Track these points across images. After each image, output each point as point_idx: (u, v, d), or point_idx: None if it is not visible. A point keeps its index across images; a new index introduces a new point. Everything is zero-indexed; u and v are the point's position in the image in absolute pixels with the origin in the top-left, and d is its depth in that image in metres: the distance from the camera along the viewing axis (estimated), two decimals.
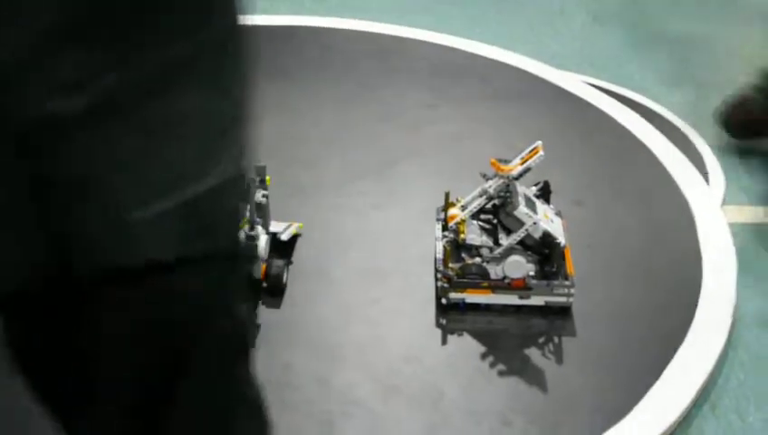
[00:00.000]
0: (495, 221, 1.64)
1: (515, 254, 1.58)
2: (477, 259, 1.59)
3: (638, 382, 1.47)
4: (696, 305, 1.63)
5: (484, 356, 1.52)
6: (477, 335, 1.56)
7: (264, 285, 1.62)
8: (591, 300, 1.64)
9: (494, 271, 1.59)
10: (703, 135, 2.20)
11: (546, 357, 1.52)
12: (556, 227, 1.62)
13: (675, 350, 1.53)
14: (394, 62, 2.41)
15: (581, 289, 1.65)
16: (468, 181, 1.93)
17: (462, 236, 1.60)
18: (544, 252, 1.59)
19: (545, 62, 2.44)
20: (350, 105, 2.20)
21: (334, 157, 2.01)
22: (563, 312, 1.60)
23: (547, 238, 1.58)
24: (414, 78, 2.34)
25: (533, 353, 1.52)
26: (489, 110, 2.23)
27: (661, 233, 1.84)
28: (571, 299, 1.59)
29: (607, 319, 1.61)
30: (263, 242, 1.57)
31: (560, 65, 2.46)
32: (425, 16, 2.71)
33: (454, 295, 1.59)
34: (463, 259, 1.60)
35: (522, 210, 1.57)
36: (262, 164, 1.61)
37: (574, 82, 2.36)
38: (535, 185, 1.71)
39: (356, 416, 1.39)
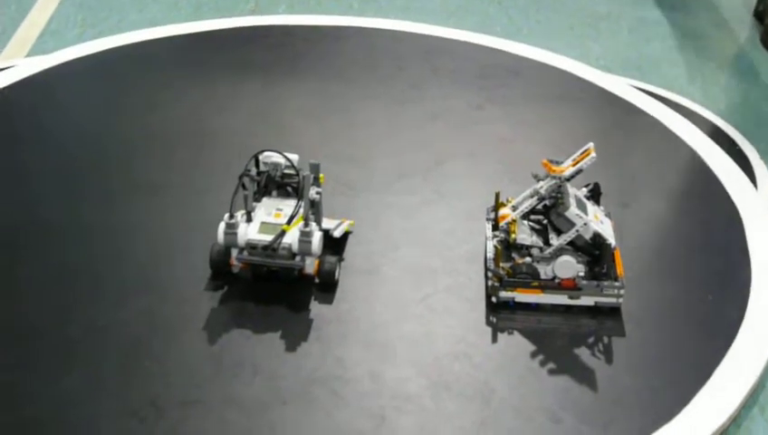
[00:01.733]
0: (546, 222, 1.65)
1: (566, 254, 1.59)
2: (528, 259, 1.60)
3: (687, 384, 1.48)
4: (746, 308, 1.63)
5: (534, 354, 1.53)
6: (527, 334, 1.57)
7: (317, 280, 1.64)
8: (640, 301, 1.65)
9: (545, 271, 1.60)
10: (750, 139, 2.20)
11: (596, 357, 1.53)
12: (606, 229, 1.63)
13: (724, 352, 1.54)
14: (441, 63, 2.43)
15: (630, 290, 1.66)
16: (515, 182, 1.95)
17: (513, 235, 1.62)
18: (594, 253, 1.61)
19: (590, 64, 2.46)
20: (400, 105, 2.22)
21: (384, 156, 2.03)
22: (613, 312, 1.61)
23: (597, 239, 1.59)
24: (461, 79, 2.36)
25: (583, 353, 1.53)
26: (535, 112, 2.24)
27: (709, 235, 1.84)
28: (620, 300, 1.60)
29: (656, 320, 1.61)
30: (316, 238, 1.58)
31: (604, 68, 2.47)
32: (469, 18, 2.73)
33: (504, 294, 1.61)
34: (513, 259, 1.62)
35: (573, 211, 1.58)
36: (316, 162, 1.64)
37: (620, 85, 2.37)
38: (585, 186, 1.72)
39: (407, 411, 1.41)
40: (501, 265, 1.61)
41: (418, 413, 1.41)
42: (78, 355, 1.48)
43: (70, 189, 1.89)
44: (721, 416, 1.44)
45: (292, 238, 1.58)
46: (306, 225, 1.58)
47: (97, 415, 1.38)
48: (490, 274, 1.61)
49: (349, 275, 1.67)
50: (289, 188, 1.67)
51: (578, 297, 1.60)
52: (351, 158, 2.02)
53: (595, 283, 1.60)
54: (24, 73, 2.32)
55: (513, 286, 1.60)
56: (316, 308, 1.60)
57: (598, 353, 1.53)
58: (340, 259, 1.70)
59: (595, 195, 1.72)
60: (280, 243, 1.58)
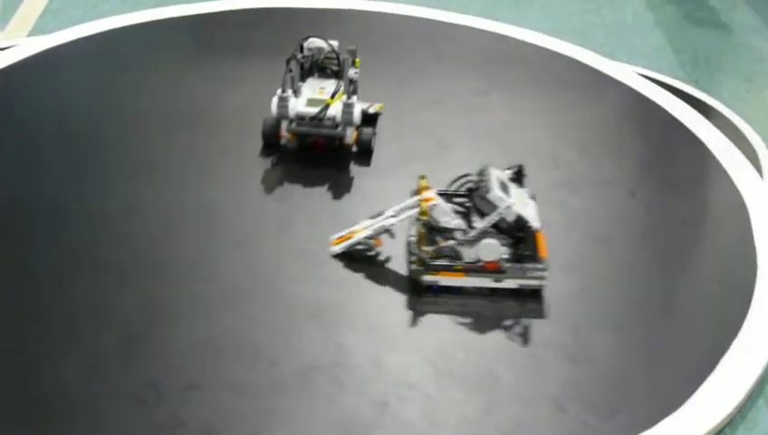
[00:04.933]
0: (470, 205, 1.64)
1: (489, 237, 1.58)
2: (451, 242, 1.59)
3: (693, 373, 1.46)
4: (751, 297, 1.62)
5: (537, 343, 1.51)
6: (529, 322, 1.56)
7: (355, 149, 1.94)
8: (645, 290, 1.64)
9: (468, 254, 1.59)
10: (756, 128, 2.18)
11: (602, 345, 1.51)
12: (529, 211, 1.61)
13: (730, 341, 1.52)
14: (445, 47, 2.41)
15: (637, 279, 1.65)
16: None
17: (424, 217, 1.60)
18: (518, 235, 1.60)
19: (594, 51, 2.44)
20: (403, 89, 2.21)
21: (386, 141, 2.01)
22: (536, 295, 1.60)
23: (520, 222, 1.58)
24: (465, 64, 2.34)
25: (588, 341, 1.52)
26: (540, 98, 2.22)
27: (714, 225, 1.83)
28: (543, 282, 1.59)
29: (661, 309, 1.60)
30: (357, 110, 1.88)
31: (609, 55, 2.45)
32: (473, 2, 2.71)
33: (427, 278, 1.59)
34: (437, 242, 1.60)
35: (495, 193, 1.58)
36: (353, 47, 1.92)
37: (626, 72, 2.35)
38: (510, 168, 1.70)
39: (411, 398, 1.39)
40: (424, 248, 1.59)
41: (422, 400, 1.39)
42: (78, 337, 1.47)
43: (70, 170, 1.87)
44: (726, 406, 1.42)
45: (335, 110, 1.89)
46: (348, 98, 1.88)
47: (96, 397, 1.36)
48: (413, 257, 1.60)
49: (350, 260, 1.66)
50: (328, 70, 1.97)
51: (501, 280, 1.59)
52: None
53: (518, 265, 1.59)
54: (25, 53, 2.29)
55: (436, 270, 1.59)
56: (316, 294, 1.58)
57: (604, 342, 1.52)
58: (374, 132, 1.96)
59: (519, 177, 1.70)
60: (325, 114, 1.88)
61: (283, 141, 1.94)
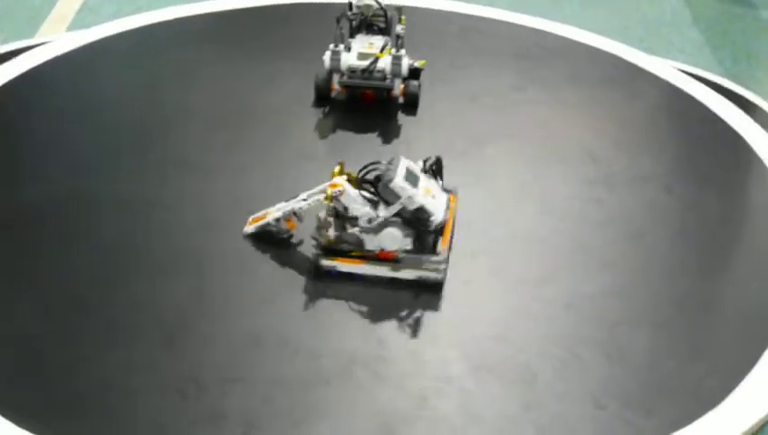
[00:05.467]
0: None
1: (392, 226, 1.58)
2: (355, 229, 1.59)
3: (732, 370, 1.46)
4: None
5: (575, 339, 1.51)
6: (568, 318, 1.55)
7: (401, 100, 2.08)
8: (683, 287, 1.63)
9: (372, 242, 1.59)
10: None
11: (639, 342, 1.51)
12: (436, 203, 1.60)
13: None
14: (481, 42, 2.40)
15: (674, 276, 1.64)
16: (556, 164, 1.94)
17: (326, 202, 1.59)
18: (420, 227, 1.59)
19: (633, 46, 2.43)
20: (439, 84, 2.20)
21: (423, 136, 2.02)
22: (436, 287, 1.60)
23: (420, 213, 1.57)
24: (501, 59, 2.33)
25: (626, 338, 1.52)
26: (577, 94, 2.21)
27: (753, 221, 1.82)
28: (440, 275, 1.59)
29: (699, 306, 1.59)
30: (405, 62, 2.02)
31: (648, 50, 2.43)
32: None
33: (326, 263, 1.60)
34: (344, 229, 1.61)
35: (397, 183, 1.56)
36: (399, 5, 2.07)
37: (665, 68, 2.34)
38: (425, 161, 1.68)
39: (449, 393, 1.40)
40: (323, 233, 1.60)
41: (460, 395, 1.39)
42: (119, 331, 1.48)
43: (109, 164, 1.89)
44: (766, 403, 1.41)
45: (384, 63, 2.03)
46: (397, 52, 2.02)
47: (138, 391, 1.38)
48: (313, 242, 1.61)
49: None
50: (376, 27, 2.12)
51: (399, 270, 1.59)
52: (392, 138, 2.00)
53: (414, 256, 1.58)
54: (62, 49, 2.32)
55: (334, 255, 1.59)
56: (358, 290, 1.59)
57: (642, 339, 1.52)
58: (420, 84, 2.09)
59: (437, 170, 1.68)
60: (375, 67, 2.03)
61: (333, 94, 2.09)
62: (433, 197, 1.61)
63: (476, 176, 1.90)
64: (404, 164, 1.62)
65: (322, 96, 2.11)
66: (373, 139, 2.00)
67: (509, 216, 1.79)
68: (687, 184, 1.92)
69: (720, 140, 2.07)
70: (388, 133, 2.03)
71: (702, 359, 1.49)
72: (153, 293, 1.56)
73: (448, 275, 1.62)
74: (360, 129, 2.03)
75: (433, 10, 2.55)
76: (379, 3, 2.11)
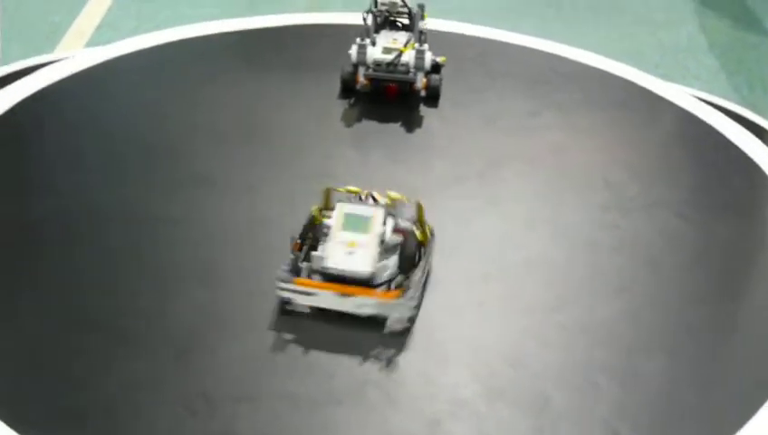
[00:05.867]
0: None
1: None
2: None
3: (747, 399, 1.45)
4: None
5: (588, 365, 1.51)
6: (581, 343, 1.55)
7: (423, 94, 2.18)
8: (697, 314, 1.62)
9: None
10: None
11: (653, 369, 1.50)
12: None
13: None
14: (498, 66, 2.41)
15: (693, 305, 1.63)
16: (570, 189, 1.94)
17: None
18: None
19: (648, 72, 2.43)
20: (456, 107, 2.21)
21: (439, 158, 2.02)
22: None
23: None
24: (518, 83, 2.34)
25: (639, 365, 1.51)
26: (592, 119, 2.21)
27: None
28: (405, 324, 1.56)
29: (714, 334, 1.59)
30: (428, 56, 2.12)
31: (664, 76, 2.44)
32: (525, 20, 2.72)
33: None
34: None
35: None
36: (422, 2, 2.17)
37: (680, 94, 2.34)
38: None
39: (462, 417, 1.39)
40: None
41: (473, 419, 1.39)
42: (129, 346, 1.48)
43: (123, 179, 1.90)
44: None
45: (408, 57, 2.13)
46: (420, 46, 2.08)
47: (147, 407, 1.37)
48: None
49: None
50: (399, 24, 2.22)
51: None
52: (406, 159, 2.01)
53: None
54: (81, 65, 2.33)
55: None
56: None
57: (657, 365, 1.51)
58: (441, 79, 2.13)
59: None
60: (399, 60, 2.11)
61: (358, 87, 2.18)
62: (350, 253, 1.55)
63: (491, 199, 1.90)
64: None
65: (348, 88, 2.22)
66: (393, 165, 2.00)
67: (523, 240, 1.79)
68: (702, 211, 1.91)
69: (735, 167, 2.07)
70: (407, 158, 2.03)
71: (718, 386, 1.48)
72: (163, 306, 1.56)
73: (462, 299, 1.62)
74: (381, 147, 2.04)
75: (451, 33, 2.56)
76: (403, 0, 2.23)
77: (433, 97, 2.22)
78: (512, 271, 1.70)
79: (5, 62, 2.29)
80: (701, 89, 2.44)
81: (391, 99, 2.20)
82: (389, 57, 2.15)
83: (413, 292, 1.54)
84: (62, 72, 2.29)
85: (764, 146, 2.14)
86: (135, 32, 2.52)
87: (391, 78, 2.18)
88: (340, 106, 2.20)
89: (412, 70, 2.16)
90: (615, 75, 2.42)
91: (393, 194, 1.64)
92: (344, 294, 1.53)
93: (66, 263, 1.66)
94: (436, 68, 2.24)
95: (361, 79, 2.18)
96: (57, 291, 1.59)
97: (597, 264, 1.74)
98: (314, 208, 1.62)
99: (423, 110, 2.15)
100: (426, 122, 2.14)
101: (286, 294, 1.56)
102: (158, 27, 2.55)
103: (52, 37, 2.44)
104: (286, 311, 1.57)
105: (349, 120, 2.14)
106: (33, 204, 1.81)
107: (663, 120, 2.25)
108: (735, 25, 2.70)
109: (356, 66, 2.18)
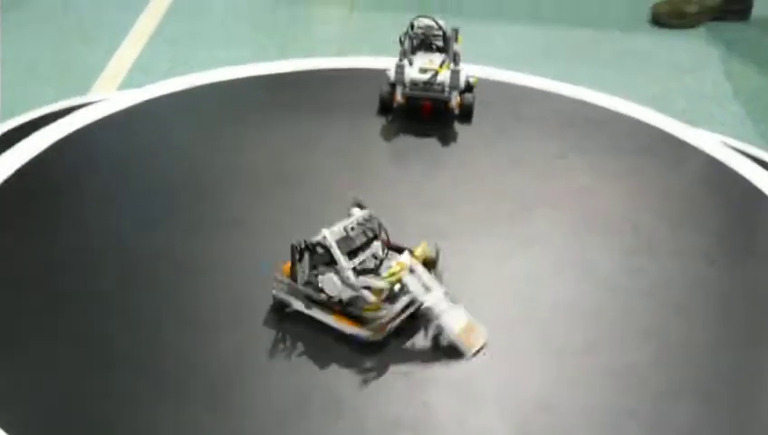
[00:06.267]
0: None
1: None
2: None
3: None
4: None
5: (618, 410, 1.51)
6: (610, 387, 1.55)
7: (457, 112, 2.27)
8: (727, 360, 1.63)
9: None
10: None
11: (684, 415, 1.51)
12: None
13: None
14: (525, 110, 2.44)
15: (715, 349, 1.64)
16: (598, 233, 1.95)
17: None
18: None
19: (675, 117, 2.45)
20: (485, 150, 2.24)
21: (469, 201, 2.04)
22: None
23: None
24: (544, 127, 2.36)
25: (668, 411, 1.51)
26: (619, 164, 2.23)
27: None
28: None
29: (744, 380, 1.59)
30: (463, 75, 2.24)
31: (689, 122, 2.45)
32: (549, 67, 2.74)
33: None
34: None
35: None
36: (456, 27, 2.30)
37: (706, 140, 2.35)
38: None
39: None
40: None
41: None
42: (162, 387, 1.50)
43: (153, 221, 1.93)
44: None
45: (444, 77, 2.25)
46: (457, 66, 2.24)
47: None
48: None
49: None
50: (434, 46, 2.32)
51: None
52: (435, 202, 2.03)
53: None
54: (115, 108, 2.37)
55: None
56: (402, 350, 1.60)
57: (689, 414, 1.51)
58: (474, 97, 2.30)
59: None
60: (435, 79, 2.24)
61: (395, 105, 2.30)
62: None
63: (520, 242, 1.91)
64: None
65: (386, 107, 2.34)
66: (423, 208, 2.02)
67: (552, 283, 1.80)
68: (730, 257, 1.92)
69: (762, 213, 2.08)
70: (438, 201, 2.05)
71: (746, 434, 1.48)
72: (194, 347, 1.58)
73: (492, 341, 1.63)
74: (408, 179, 2.06)
75: (480, 78, 2.59)
76: (438, 23, 2.33)
77: (466, 115, 2.33)
78: (542, 314, 1.71)
79: (42, 103, 2.33)
80: (727, 135, 2.46)
81: (426, 117, 2.30)
82: (426, 77, 2.27)
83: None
84: (95, 114, 2.33)
85: None
86: (168, 74, 2.57)
87: (427, 96, 2.31)
88: (368, 143, 2.22)
89: (447, 89, 2.29)
90: (641, 121, 2.44)
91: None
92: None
93: (100, 302, 1.68)
94: (468, 87, 2.35)
95: (399, 98, 2.31)
96: (89, 332, 1.61)
97: (626, 308, 1.74)
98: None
99: (457, 132, 2.26)
100: (458, 160, 2.17)
101: (281, 295, 1.64)
102: (190, 70, 2.59)
103: (85, 80, 2.49)
104: (320, 351, 1.58)
105: (374, 165, 2.16)
106: (62, 243, 1.84)
107: (689, 165, 2.26)
108: (761, 72, 2.72)
109: (394, 85, 2.31)
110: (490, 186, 2.11)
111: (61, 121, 2.28)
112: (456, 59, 2.31)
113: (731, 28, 2.89)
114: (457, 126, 2.30)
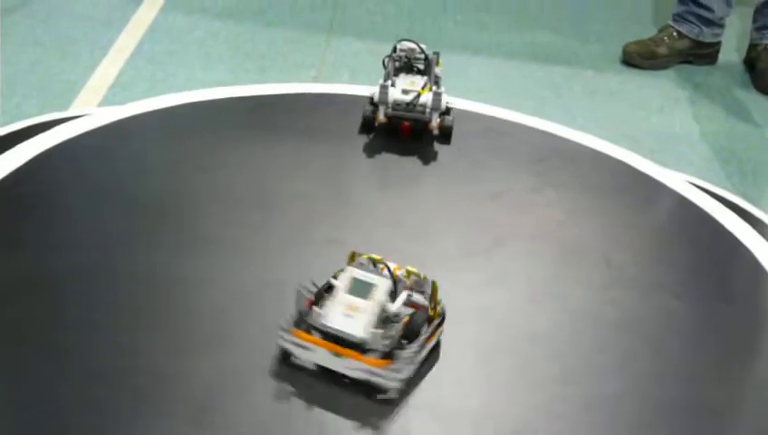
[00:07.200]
0: None
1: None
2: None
3: None
4: None
5: None
6: (586, 418, 1.59)
7: (436, 132, 2.35)
8: (698, 393, 1.67)
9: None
10: None
11: None
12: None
13: None
14: (501, 143, 2.49)
15: (686, 382, 1.68)
16: (572, 266, 1.99)
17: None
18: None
19: (644, 156, 2.51)
20: (461, 183, 2.27)
21: (445, 233, 2.07)
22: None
23: None
24: (519, 161, 2.41)
25: None
26: (591, 199, 2.28)
27: (765, 333, 1.87)
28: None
29: (716, 412, 1.64)
30: (444, 97, 2.30)
31: (658, 161, 2.52)
32: (525, 102, 2.80)
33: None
34: None
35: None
36: (437, 51, 2.41)
37: (676, 180, 2.42)
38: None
39: None
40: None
41: None
42: (145, 405, 1.51)
43: (132, 240, 1.93)
44: None
45: (426, 98, 2.32)
46: (438, 88, 2.32)
47: None
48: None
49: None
50: (416, 69, 2.42)
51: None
52: (411, 232, 2.06)
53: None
54: (96, 123, 2.38)
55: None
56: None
57: None
58: (453, 119, 2.38)
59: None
60: (417, 101, 2.31)
61: (377, 124, 2.37)
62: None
63: (498, 274, 1.95)
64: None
65: (368, 125, 2.42)
66: (404, 240, 2.05)
67: (528, 314, 1.84)
68: (698, 292, 1.97)
69: (728, 251, 2.14)
70: (418, 233, 2.08)
71: None
72: (177, 365, 1.59)
73: (469, 371, 1.66)
74: (388, 208, 2.09)
75: (458, 110, 2.63)
76: (420, 47, 2.43)
77: (445, 136, 2.42)
78: (518, 344, 1.75)
79: (22, 118, 2.33)
80: (695, 175, 2.53)
81: (405, 137, 2.37)
82: (408, 98, 2.35)
83: (401, 364, 1.59)
84: (76, 129, 2.33)
85: (756, 233, 2.21)
86: (148, 93, 2.59)
87: (410, 117, 2.38)
88: (349, 169, 2.25)
89: (428, 110, 2.37)
90: (613, 157, 2.50)
91: (412, 269, 1.69)
92: (337, 354, 1.58)
93: (82, 318, 1.69)
94: (447, 110, 2.44)
95: (381, 117, 2.38)
96: (74, 347, 1.62)
97: (600, 340, 1.79)
98: (338, 271, 1.67)
99: (437, 154, 2.32)
100: (437, 190, 2.20)
101: (286, 345, 1.61)
102: (170, 89, 2.61)
103: (65, 96, 2.50)
104: (293, 366, 1.59)
105: (353, 192, 2.19)
106: (40, 259, 1.84)
107: (659, 203, 2.32)
108: (728, 114, 2.80)
109: (376, 105, 2.39)
110: (469, 217, 2.14)
111: (43, 135, 2.28)
112: (437, 82, 2.41)
113: (699, 71, 2.98)
114: (437, 153, 2.34)
